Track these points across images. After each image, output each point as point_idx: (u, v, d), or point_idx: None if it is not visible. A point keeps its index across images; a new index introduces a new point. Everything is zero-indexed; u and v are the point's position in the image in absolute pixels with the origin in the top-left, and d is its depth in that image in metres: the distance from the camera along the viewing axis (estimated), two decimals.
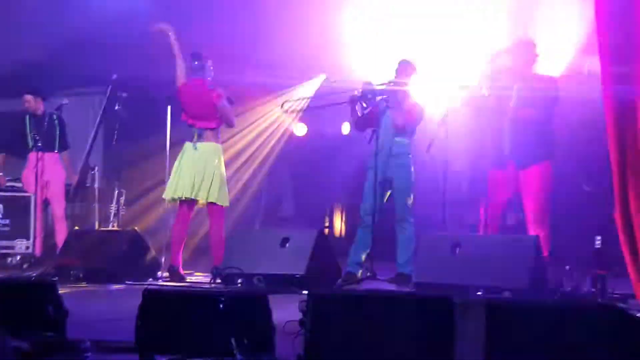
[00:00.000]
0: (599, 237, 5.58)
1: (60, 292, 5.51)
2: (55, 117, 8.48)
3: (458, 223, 9.68)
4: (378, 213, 6.89)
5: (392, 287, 6.33)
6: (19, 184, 8.65)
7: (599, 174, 5.43)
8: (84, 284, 6.39)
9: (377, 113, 7.01)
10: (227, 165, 7.46)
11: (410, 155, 6.96)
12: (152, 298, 3.20)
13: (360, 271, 6.86)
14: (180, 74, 7.11)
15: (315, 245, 6.03)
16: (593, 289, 5.38)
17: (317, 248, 6.03)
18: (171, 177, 7.01)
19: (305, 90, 10.64)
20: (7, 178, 8.76)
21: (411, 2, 8.40)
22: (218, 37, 9.37)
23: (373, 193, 6.83)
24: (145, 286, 6.22)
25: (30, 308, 3.69)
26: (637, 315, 4.37)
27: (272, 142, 11.11)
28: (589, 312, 2.56)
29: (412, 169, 6.96)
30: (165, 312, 3.20)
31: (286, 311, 3.67)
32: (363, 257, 6.89)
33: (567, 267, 5.18)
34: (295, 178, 11.87)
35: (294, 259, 5.99)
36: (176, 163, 7.02)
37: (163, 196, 7.07)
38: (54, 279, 6.39)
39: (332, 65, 9.56)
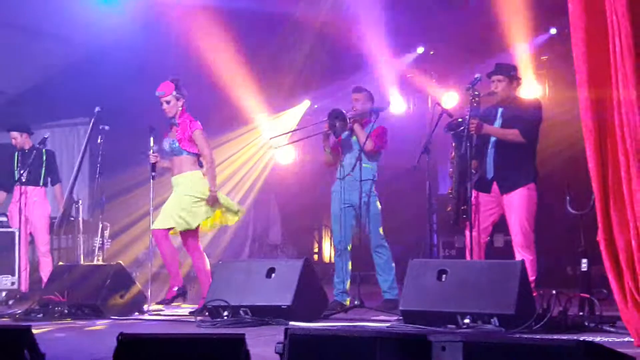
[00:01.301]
0: (585, 260, 5.54)
1: (45, 329, 5.53)
2: (43, 151, 8.42)
3: (446, 247, 9.67)
4: (356, 237, 6.84)
5: (379, 314, 6.29)
6: (4, 219, 8.58)
7: (583, 196, 5.39)
8: (68, 320, 6.32)
9: (341, 140, 6.99)
10: None
11: (374, 180, 6.90)
12: (128, 343, 3.14)
13: (348, 299, 6.81)
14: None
15: (301, 275, 5.96)
16: (581, 313, 5.34)
17: (303, 278, 5.97)
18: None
19: (290, 118, 10.63)
20: None
21: None
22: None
23: (339, 220, 6.80)
24: (131, 321, 6.27)
25: (7, 353, 3.62)
26: (623, 339, 4.35)
27: (258, 169, 11.07)
28: (567, 350, 2.52)
29: (376, 194, 6.91)
30: (142, 358, 3.14)
31: (267, 347, 3.61)
32: (347, 284, 6.84)
33: (554, 291, 5.13)
34: (283, 205, 11.83)
35: (280, 289, 5.93)
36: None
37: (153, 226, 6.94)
38: (39, 315, 6.38)
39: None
